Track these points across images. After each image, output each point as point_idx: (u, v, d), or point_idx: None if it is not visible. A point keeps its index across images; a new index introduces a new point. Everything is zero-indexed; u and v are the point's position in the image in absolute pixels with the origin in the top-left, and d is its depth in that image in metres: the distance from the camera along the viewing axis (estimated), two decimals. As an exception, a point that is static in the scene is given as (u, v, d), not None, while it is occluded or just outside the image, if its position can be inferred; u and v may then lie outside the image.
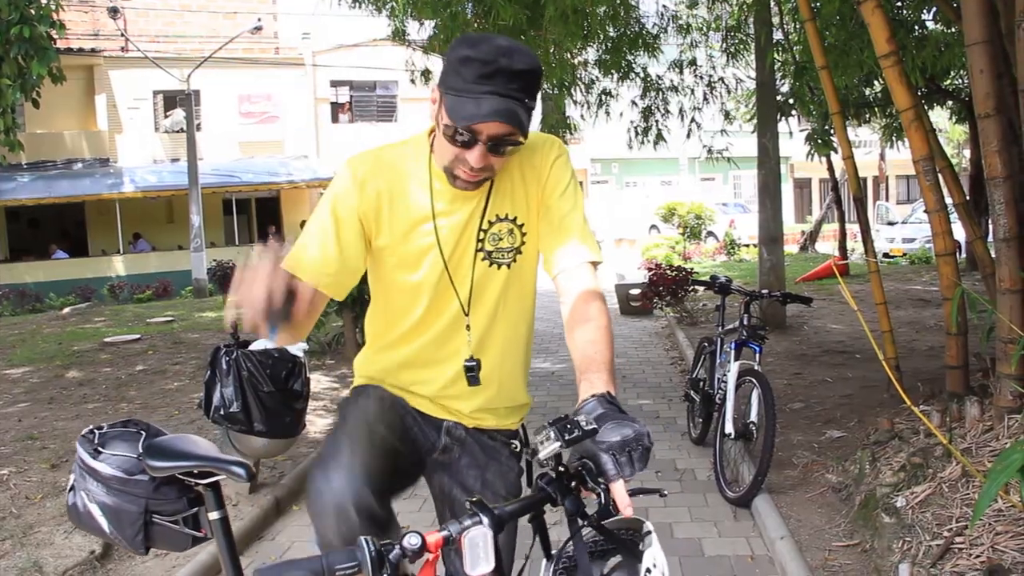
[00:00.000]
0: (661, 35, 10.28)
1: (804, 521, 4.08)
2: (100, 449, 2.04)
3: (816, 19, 5.58)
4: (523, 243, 1.80)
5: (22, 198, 19.56)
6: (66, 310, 16.23)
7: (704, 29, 11.19)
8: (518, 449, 1.92)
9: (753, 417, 4.60)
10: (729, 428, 4.69)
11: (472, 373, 1.82)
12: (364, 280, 1.91)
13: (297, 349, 4.98)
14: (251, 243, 23.12)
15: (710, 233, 25.08)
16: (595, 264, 1.77)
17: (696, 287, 10.37)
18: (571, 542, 1.43)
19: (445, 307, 1.81)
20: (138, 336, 11.04)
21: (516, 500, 1.43)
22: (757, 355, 4.87)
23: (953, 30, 7.49)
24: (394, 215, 1.76)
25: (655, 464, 5.38)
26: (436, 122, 1.68)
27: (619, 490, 1.33)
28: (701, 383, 5.55)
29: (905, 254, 18.42)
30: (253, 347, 4.96)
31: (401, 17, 9.38)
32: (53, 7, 5.21)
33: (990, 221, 3.73)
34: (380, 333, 1.91)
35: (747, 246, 22.77)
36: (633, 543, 1.45)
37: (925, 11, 8.45)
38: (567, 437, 1.34)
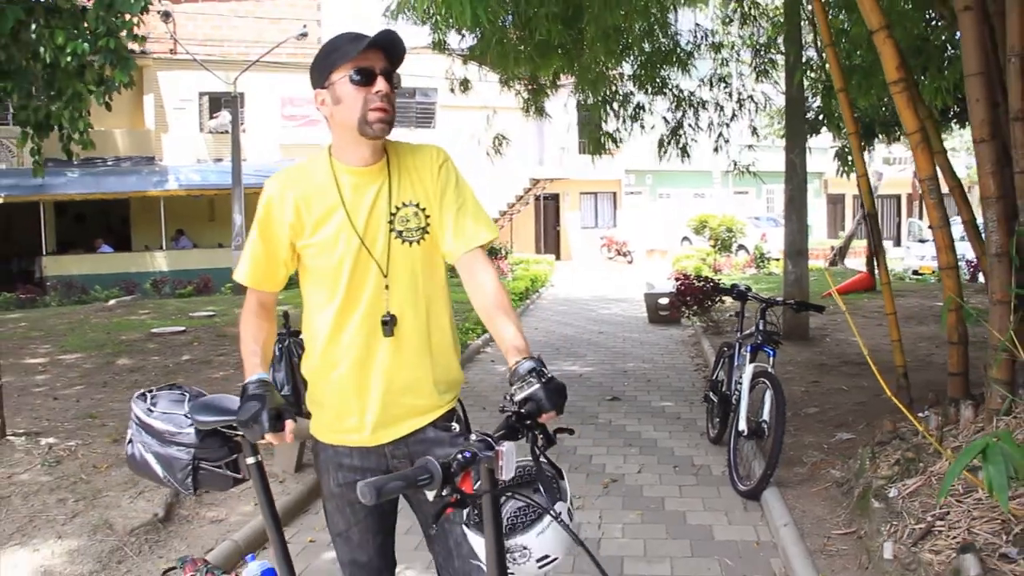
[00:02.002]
0: (694, 52, 10.60)
1: (808, 512, 4.40)
2: (152, 408, 2.41)
3: (835, 43, 5.86)
4: (427, 224, 2.16)
5: (71, 193, 20.19)
6: (112, 302, 16.83)
7: (735, 47, 11.49)
8: (458, 431, 2.22)
9: (765, 416, 4.91)
10: (743, 426, 5.01)
11: (388, 326, 2.10)
12: None
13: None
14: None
15: (741, 246, 25.28)
16: (487, 243, 2.16)
17: (722, 297, 10.71)
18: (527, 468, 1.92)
19: (366, 277, 2.13)
20: (183, 328, 11.53)
21: (497, 431, 1.81)
22: (771, 359, 5.19)
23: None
24: (310, 211, 2.10)
25: (674, 460, 5.72)
26: (334, 104, 2.07)
27: (548, 417, 1.85)
28: (720, 385, 5.86)
29: (934, 271, 18.49)
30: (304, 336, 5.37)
31: (444, 28, 9.77)
32: (135, 21, 5.70)
33: (984, 238, 4.02)
34: (315, 331, 2.19)
35: (777, 260, 22.94)
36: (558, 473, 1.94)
37: (957, 33, 8.65)
38: (543, 380, 1.85)
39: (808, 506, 4.48)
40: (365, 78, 2.03)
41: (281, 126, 24.53)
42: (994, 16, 4.13)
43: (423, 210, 2.16)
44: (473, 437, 1.77)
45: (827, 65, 9.49)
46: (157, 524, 4.26)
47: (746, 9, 10.70)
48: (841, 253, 22.27)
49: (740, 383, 5.18)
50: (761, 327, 5.25)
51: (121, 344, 10.26)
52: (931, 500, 3.45)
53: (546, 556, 1.86)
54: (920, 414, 4.94)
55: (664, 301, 12.97)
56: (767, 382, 4.91)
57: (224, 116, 23.60)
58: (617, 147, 10.80)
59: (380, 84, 2.04)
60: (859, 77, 7.54)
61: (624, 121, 11.04)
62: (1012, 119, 3.68)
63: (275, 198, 2.14)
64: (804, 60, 9.41)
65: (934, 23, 8.54)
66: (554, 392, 1.84)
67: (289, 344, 4.97)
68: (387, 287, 2.12)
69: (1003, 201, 3.86)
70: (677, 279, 12.94)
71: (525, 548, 1.85)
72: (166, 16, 20.34)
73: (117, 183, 21.04)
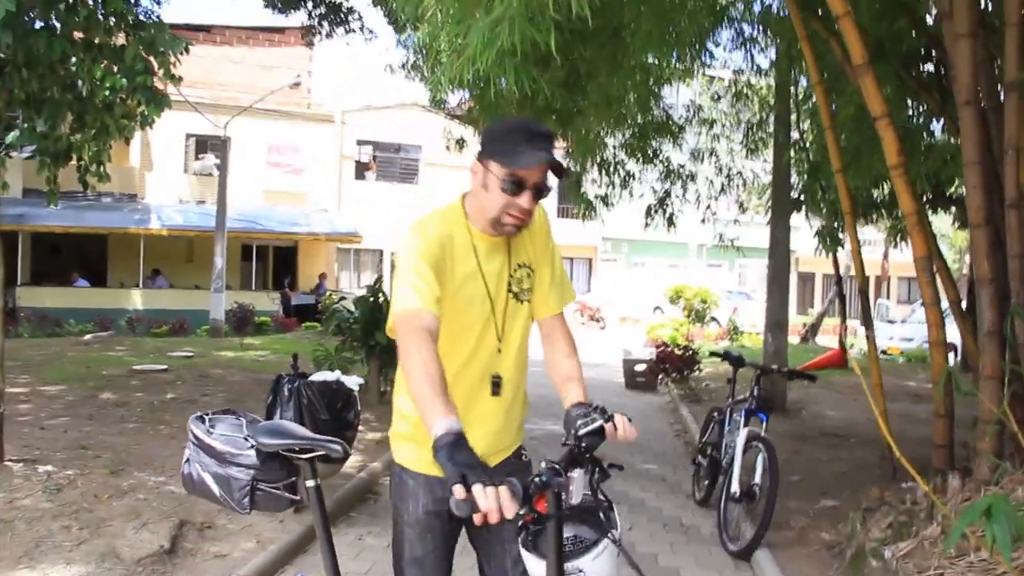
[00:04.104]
0: (686, 126, 11.00)
1: (799, 573, 4.53)
2: (211, 430, 2.52)
3: (833, 127, 6.18)
4: (533, 284, 2.36)
5: (52, 225, 20.07)
6: (87, 337, 16.68)
7: (726, 123, 11.92)
8: (527, 459, 2.43)
9: (757, 479, 5.08)
10: (735, 488, 5.16)
11: (497, 386, 2.28)
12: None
13: (353, 383, 5.49)
14: (266, 289, 23.70)
15: (713, 318, 25.66)
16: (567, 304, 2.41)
17: (708, 359, 10.93)
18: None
19: (488, 340, 2.29)
20: (165, 367, 11.48)
21: (561, 461, 1.95)
22: (764, 423, 5.38)
23: (957, 142, 8.08)
24: (453, 270, 2.19)
25: (663, 519, 5.84)
26: (481, 185, 2.21)
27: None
28: (709, 448, 6.02)
29: (902, 352, 18.90)
30: (313, 378, 5.47)
31: (445, 87, 10.05)
32: (172, 60, 5.90)
33: (977, 316, 4.27)
34: None
35: (749, 333, 23.36)
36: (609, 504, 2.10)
37: (935, 120, 9.05)
38: (606, 415, 2.07)
39: (799, 567, 4.62)
40: (516, 188, 2.15)
41: (265, 172, 24.74)
42: (989, 111, 4.45)
43: (532, 271, 2.35)
44: (543, 465, 1.93)
45: (811, 147, 9.96)
46: (163, 556, 4.30)
47: (738, 88, 11.14)
48: (813, 330, 22.70)
49: (733, 446, 5.35)
50: (756, 393, 5.44)
51: (103, 379, 10.21)
52: (925, 562, 3.61)
53: None
54: (904, 484, 5.13)
55: (641, 367, 13.15)
56: (761, 446, 5.09)
57: (209, 159, 23.78)
58: (608, 209, 11.09)
59: (525, 198, 2.15)
60: (845, 159, 7.87)
61: (613, 187, 11.37)
62: (1008, 206, 3.97)
63: (438, 239, 2.18)
64: (793, 141, 9.78)
65: (915, 113, 8.98)
66: None
67: (299, 385, 5.05)
68: (499, 351, 2.29)
69: (996, 283, 4.13)
70: (657, 347, 13.16)
71: (581, 571, 2.00)
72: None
73: (98, 218, 20.99)
